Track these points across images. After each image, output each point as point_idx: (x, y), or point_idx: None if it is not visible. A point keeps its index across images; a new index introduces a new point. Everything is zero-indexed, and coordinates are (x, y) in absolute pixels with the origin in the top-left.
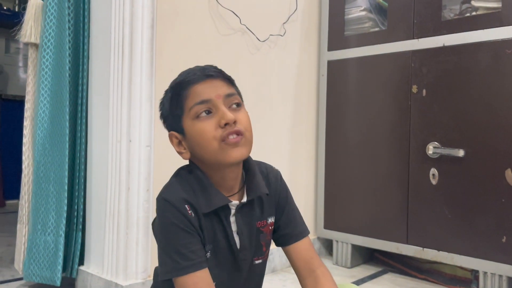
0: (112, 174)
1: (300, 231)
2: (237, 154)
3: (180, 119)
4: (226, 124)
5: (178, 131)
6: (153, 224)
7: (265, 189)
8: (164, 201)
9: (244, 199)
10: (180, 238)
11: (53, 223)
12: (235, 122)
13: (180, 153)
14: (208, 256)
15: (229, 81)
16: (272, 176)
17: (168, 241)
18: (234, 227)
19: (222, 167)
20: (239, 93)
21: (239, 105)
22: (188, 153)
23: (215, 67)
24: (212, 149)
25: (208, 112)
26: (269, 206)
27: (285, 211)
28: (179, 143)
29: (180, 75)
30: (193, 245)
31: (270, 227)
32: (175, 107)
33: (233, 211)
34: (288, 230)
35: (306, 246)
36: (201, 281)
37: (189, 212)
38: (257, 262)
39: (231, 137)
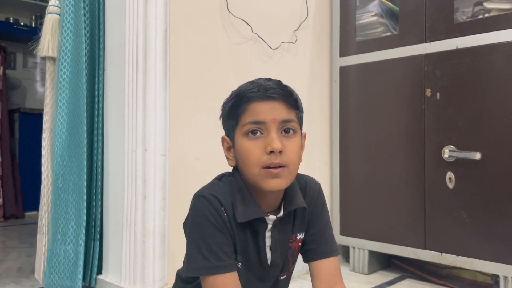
0: (128, 183)
1: (328, 250)
2: (274, 184)
3: (233, 129)
4: (271, 152)
5: (230, 138)
6: (185, 223)
7: (303, 203)
8: (203, 198)
9: (281, 214)
10: (215, 237)
11: (73, 233)
12: (281, 152)
13: (227, 158)
14: (239, 267)
15: (291, 104)
16: (310, 189)
17: (203, 238)
18: (268, 242)
19: (260, 190)
20: (299, 117)
21: (293, 131)
22: (234, 161)
23: (282, 87)
24: (253, 173)
25: (260, 132)
26: (300, 222)
27: (315, 225)
28: (229, 148)
29: (246, 84)
30: (226, 246)
31: (299, 243)
32: (232, 116)
33: (269, 226)
34: (314, 245)
35: (330, 268)
36: (231, 283)
37: (225, 214)
38: (282, 277)
39: (273, 167)
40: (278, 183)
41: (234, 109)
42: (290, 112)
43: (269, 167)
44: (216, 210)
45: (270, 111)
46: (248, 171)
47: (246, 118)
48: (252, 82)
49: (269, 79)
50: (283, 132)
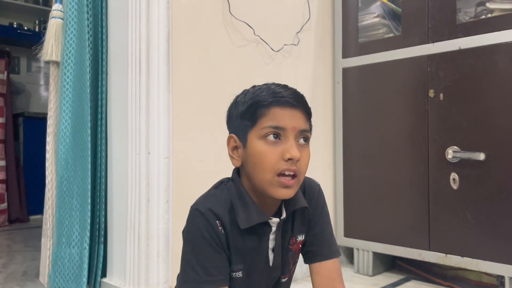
0: (132, 186)
1: (328, 252)
2: (284, 193)
3: (247, 129)
4: (289, 159)
5: (239, 138)
6: (183, 232)
7: (304, 203)
8: (197, 211)
9: (284, 215)
10: (207, 252)
11: (77, 236)
12: (297, 161)
13: (231, 157)
14: (239, 276)
15: (308, 114)
16: (309, 190)
17: (195, 252)
18: (271, 245)
19: (264, 195)
20: (311, 128)
21: (307, 141)
22: (239, 162)
23: (301, 96)
24: (264, 178)
25: (277, 137)
26: (300, 223)
27: (316, 226)
28: (235, 148)
29: (264, 87)
30: (218, 261)
31: (299, 245)
32: (248, 117)
33: (274, 229)
34: (314, 247)
35: (330, 270)
36: None
37: (219, 228)
38: (283, 280)
39: (287, 174)
40: (288, 193)
41: (253, 110)
42: (307, 122)
43: (284, 175)
44: (210, 225)
45: (291, 119)
46: (259, 176)
47: (266, 121)
48: (269, 87)
49: (286, 86)
50: (300, 141)
